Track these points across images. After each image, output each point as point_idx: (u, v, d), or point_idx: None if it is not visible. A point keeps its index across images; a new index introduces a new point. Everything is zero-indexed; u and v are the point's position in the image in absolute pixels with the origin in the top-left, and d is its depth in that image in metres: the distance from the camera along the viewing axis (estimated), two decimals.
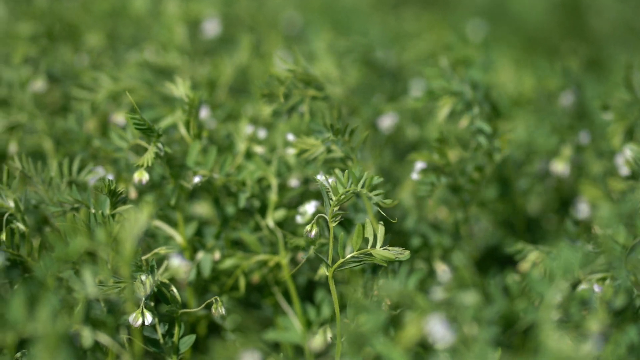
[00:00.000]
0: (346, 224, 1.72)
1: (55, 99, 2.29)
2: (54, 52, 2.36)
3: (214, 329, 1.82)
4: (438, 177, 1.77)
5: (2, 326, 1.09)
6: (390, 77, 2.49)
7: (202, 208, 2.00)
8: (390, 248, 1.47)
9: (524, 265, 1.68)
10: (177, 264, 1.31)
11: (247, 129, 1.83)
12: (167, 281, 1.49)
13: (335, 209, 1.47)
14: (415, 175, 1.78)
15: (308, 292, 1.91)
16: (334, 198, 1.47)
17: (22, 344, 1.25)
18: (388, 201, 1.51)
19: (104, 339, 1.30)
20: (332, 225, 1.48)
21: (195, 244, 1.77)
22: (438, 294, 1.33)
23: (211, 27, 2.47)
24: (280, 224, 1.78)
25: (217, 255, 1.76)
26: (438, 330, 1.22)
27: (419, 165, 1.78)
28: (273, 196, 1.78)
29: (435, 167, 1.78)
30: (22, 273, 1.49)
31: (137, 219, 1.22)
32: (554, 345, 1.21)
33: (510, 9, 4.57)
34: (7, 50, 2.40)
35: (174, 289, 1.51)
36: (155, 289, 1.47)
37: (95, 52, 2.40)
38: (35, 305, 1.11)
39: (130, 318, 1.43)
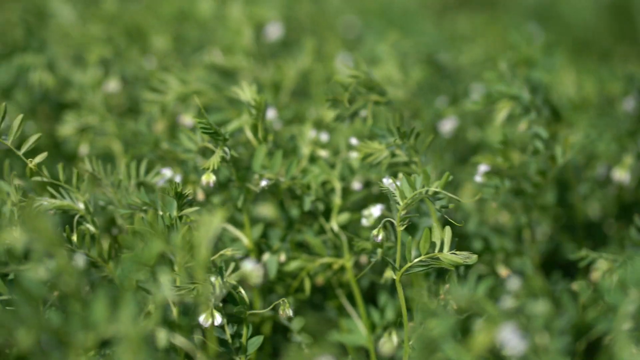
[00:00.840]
0: (409, 228, 1.73)
1: (122, 101, 2.32)
2: (123, 54, 2.39)
3: (278, 329, 1.83)
4: (502, 180, 1.78)
5: (85, 327, 1.11)
6: (450, 79, 2.50)
7: (266, 210, 2.02)
8: (457, 252, 1.48)
9: (595, 274, 1.67)
10: (250, 268, 1.33)
11: (311, 132, 1.85)
12: (235, 282, 1.51)
13: (403, 212, 1.48)
14: (478, 178, 1.78)
15: (370, 295, 1.92)
16: (401, 202, 1.47)
17: (103, 345, 1.27)
18: (452, 205, 1.52)
19: (179, 340, 1.32)
20: (400, 229, 1.49)
21: (261, 246, 1.78)
22: (507, 301, 1.32)
23: (274, 31, 2.49)
24: (344, 226, 1.79)
25: (282, 257, 1.77)
26: (510, 339, 1.22)
27: (483, 168, 1.78)
28: (337, 199, 1.79)
29: (498, 170, 1.78)
30: (97, 275, 1.51)
31: (211, 223, 1.24)
32: (629, 358, 1.21)
33: (558, 11, 4.54)
34: (77, 52, 2.44)
35: (242, 291, 1.52)
36: (225, 291, 1.49)
37: (162, 55, 2.43)
38: (115, 307, 1.13)
39: (201, 319, 1.45)
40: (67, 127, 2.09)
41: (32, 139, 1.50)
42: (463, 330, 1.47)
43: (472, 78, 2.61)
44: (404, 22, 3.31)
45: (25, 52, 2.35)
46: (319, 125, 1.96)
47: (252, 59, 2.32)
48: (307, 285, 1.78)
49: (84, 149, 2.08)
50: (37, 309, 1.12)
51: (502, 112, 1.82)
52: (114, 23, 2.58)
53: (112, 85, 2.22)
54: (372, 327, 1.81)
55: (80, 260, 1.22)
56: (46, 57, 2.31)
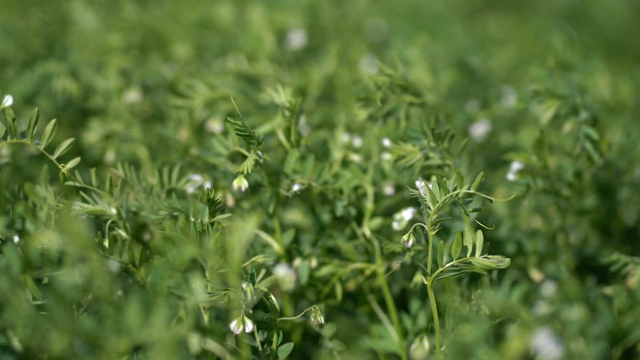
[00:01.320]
0: (441, 231, 1.72)
1: (146, 108, 2.32)
2: (145, 62, 2.39)
3: (308, 335, 1.82)
4: (534, 179, 1.76)
5: (118, 332, 1.10)
6: (481, 83, 2.48)
7: (295, 215, 2.01)
8: (490, 256, 1.46)
9: (631, 280, 1.65)
10: (283, 273, 1.32)
11: (343, 136, 1.83)
12: (266, 289, 1.50)
13: (434, 216, 1.46)
14: (511, 176, 1.77)
15: (401, 301, 1.91)
16: (432, 206, 1.46)
17: (136, 350, 1.27)
18: (483, 208, 1.50)
19: (211, 345, 1.32)
20: (432, 233, 1.48)
21: (291, 252, 1.77)
22: (542, 307, 1.31)
23: (296, 38, 2.48)
24: (376, 232, 1.78)
25: (313, 262, 1.76)
26: (545, 345, 1.20)
27: (516, 165, 1.76)
28: (369, 204, 1.78)
29: (532, 169, 1.76)
30: (130, 280, 1.51)
31: (244, 228, 1.23)
32: None
33: (589, 12, 4.51)
34: (100, 60, 2.44)
35: (273, 298, 1.51)
36: (256, 297, 1.48)
37: (184, 62, 2.43)
38: (148, 312, 1.12)
39: (232, 325, 1.44)
40: (93, 134, 2.09)
41: (65, 144, 1.50)
42: (496, 336, 1.45)
43: (502, 81, 2.60)
44: (433, 25, 3.30)
45: (48, 59, 2.36)
46: (350, 129, 1.95)
47: (276, 65, 2.31)
48: (339, 291, 1.77)
49: (110, 156, 2.08)
50: (71, 313, 1.12)
51: (548, 111, 1.79)
52: (136, 30, 2.58)
53: (133, 95, 2.22)
54: (404, 333, 1.79)
55: (113, 265, 1.21)
56: (69, 64, 2.32)
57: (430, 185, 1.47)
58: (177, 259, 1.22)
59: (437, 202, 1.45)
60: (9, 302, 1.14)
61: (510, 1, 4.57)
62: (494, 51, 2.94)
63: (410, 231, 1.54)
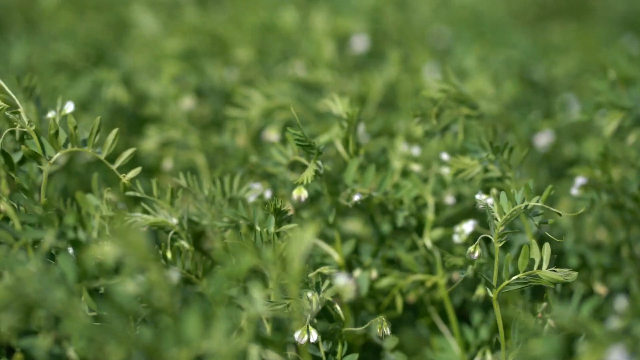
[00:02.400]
0: (503, 244, 1.68)
1: (204, 114, 2.31)
2: (204, 67, 2.38)
3: (368, 347, 1.80)
4: (599, 194, 1.72)
5: (177, 343, 1.09)
6: (544, 92, 2.44)
7: (355, 225, 1.98)
8: (557, 269, 1.43)
9: None
10: (344, 283, 1.29)
11: (403, 146, 1.81)
12: (330, 299, 1.48)
13: (501, 229, 1.44)
14: (575, 191, 1.73)
15: (461, 313, 1.88)
16: (499, 218, 1.43)
17: None
18: (551, 221, 1.47)
19: (272, 356, 1.29)
20: (498, 246, 1.45)
21: (351, 262, 1.75)
22: (613, 322, 1.27)
23: (360, 43, 2.46)
24: (436, 243, 1.75)
25: (374, 273, 1.73)
26: None
27: (580, 180, 1.72)
28: (430, 215, 1.75)
29: (596, 184, 1.72)
30: (189, 291, 1.49)
31: (303, 238, 1.21)
32: None
33: None
34: (157, 64, 2.44)
35: (338, 307, 1.49)
36: (320, 307, 1.46)
37: (245, 67, 2.42)
38: (208, 323, 1.10)
39: (296, 335, 1.42)
40: (150, 142, 2.09)
41: (126, 153, 1.48)
42: (565, 352, 1.41)
43: (566, 90, 2.55)
44: (494, 33, 3.26)
45: (104, 65, 2.36)
46: (410, 138, 1.92)
47: (337, 72, 2.29)
48: (399, 302, 1.74)
49: (167, 164, 2.07)
50: (129, 324, 1.10)
51: (612, 123, 1.75)
52: (197, 34, 2.57)
53: (188, 102, 2.22)
54: (466, 345, 1.76)
55: (174, 275, 1.20)
56: (121, 71, 2.32)
57: (494, 198, 1.45)
58: (236, 269, 1.20)
59: (505, 214, 1.42)
60: (66, 313, 1.13)
61: (572, 8, 4.51)
62: (556, 59, 2.90)
63: (476, 243, 1.51)
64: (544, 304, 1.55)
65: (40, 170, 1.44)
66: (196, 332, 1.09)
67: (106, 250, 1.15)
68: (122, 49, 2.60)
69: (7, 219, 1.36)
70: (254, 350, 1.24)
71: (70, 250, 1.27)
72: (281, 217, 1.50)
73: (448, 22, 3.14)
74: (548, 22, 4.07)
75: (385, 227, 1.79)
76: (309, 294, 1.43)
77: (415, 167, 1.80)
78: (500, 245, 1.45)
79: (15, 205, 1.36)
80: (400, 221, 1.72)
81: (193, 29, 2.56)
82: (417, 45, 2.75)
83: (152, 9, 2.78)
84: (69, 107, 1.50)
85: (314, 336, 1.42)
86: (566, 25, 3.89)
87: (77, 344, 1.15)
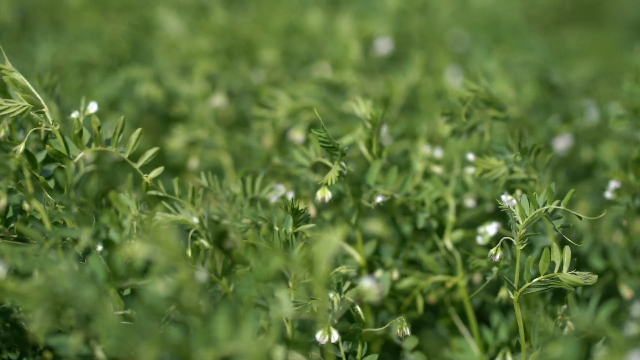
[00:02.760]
0: (525, 246, 1.69)
1: (229, 114, 2.32)
2: (231, 68, 2.40)
3: (388, 347, 1.81)
4: (633, 199, 1.72)
5: (206, 344, 1.10)
6: (562, 96, 2.45)
7: (376, 226, 1.99)
8: (577, 272, 1.44)
9: None
10: (369, 285, 1.30)
11: (425, 148, 1.82)
12: (351, 300, 1.49)
13: (522, 231, 1.44)
14: (608, 195, 1.73)
15: (480, 314, 1.89)
16: (521, 220, 1.44)
17: None
18: (572, 224, 1.48)
19: (296, 357, 1.31)
20: (519, 248, 1.45)
21: (372, 263, 1.76)
22: (631, 328, 1.28)
23: (383, 45, 2.47)
24: (457, 244, 1.76)
25: (395, 274, 1.75)
26: None
27: (613, 184, 1.73)
28: (451, 217, 1.76)
29: (629, 188, 1.72)
30: (212, 290, 1.51)
31: (330, 240, 1.22)
32: None
33: None
34: (183, 64, 2.45)
35: (359, 308, 1.50)
36: (342, 308, 1.47)
37: (270, 68, 2.43)
38: (236, 323, 1.11)
39: (317, 335, 1.43)
40: (177, 140, 2.10)
41: (150, 153, 1.50)
42: (584, 356, 1.42)
43: (582, 94, 2.56)
44: (512, 37, 3.26)
45: (132, 64, 2.38)
46: (432, 140, 1.93)
47: (361, 74, 2.30)
48: (420, 303, 1.75)
49: (193, 163, 2.09)
50: (159, 324, 1.12)
51: None
52: (223, 36, 2.59)
53: (219, 100, 2.23)
54: (485, 346, 1.77)
55: (202, 275, 1.21)
56: (153, 70, 2.33)
57: (517, 200, 1.45)
58: (264, 271, 1.21)
59: (527, 216, 1.43)
60: (96, 312, 1.15)
61: (585, 13, 4.50)
62: (572, 64, 2.90)
63: (498, 245, 1.52)
64: (564, 307, 1.56)
65: (77, 169, 1.46)
66: (225, 332, 1.10)
67: (136, 250, 1.17)
68: (148, 49, 2.61)
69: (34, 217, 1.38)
70: (279, 351, 1.26)
71: (99, 248, 1.29)
72: (299, 218, 1.51)
73: (467, 26, 3.15)
74: (562, 27, 4.08)
75: (406, 228, 1.80)
76: (331, 295, 1.44)
77: (437, 169, 1.81)
78: (522, 247, 1.46)
79: (45, 205, 1.38)
80: (421, 222, 1.73)
81: (219, 31, 2.57)
82: (438, 48, 2.75)
83: (177, 10, 2.79)
84: (93, 107, 1.52)
85: (335, 336, 1.43)
86: (580, 31, 3.90)
87: (106, 343, 1.16)
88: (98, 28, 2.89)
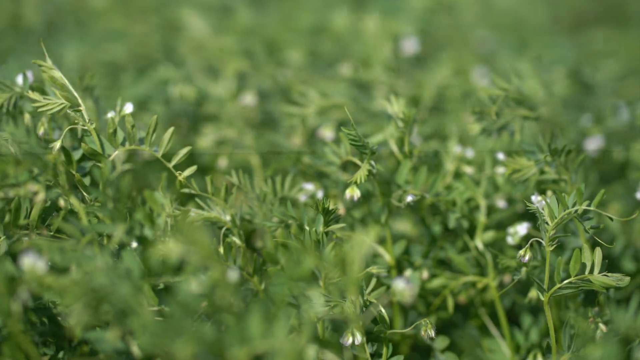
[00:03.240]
0: (555, 247, 1.68)
1: (257, 114, 2.33)
2: (258, 67, 2.40)
3: (418, 347, 1.80)
4: None
5: (240, 342, 1.10)
6: (591, 96, 2.44)
7: (405, 225, 1.99)
8: (609, 274, 1.43)
9: None
10: (402, 287, 1.30)
11: (456, 148, 1.82)
12: (374, 300, 1.49)
13: (552, 232, 1.44)
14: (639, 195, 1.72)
15: (510, 315, 1.88)
16: (550, 221, 1.43)
17: None
18: (602, 225, 1.48)
19: (329, 357, 1.31)
20: (549, 249, 1.45)
21: (402, 263, 1.76)
22: None
23: (410, 45, 2.47)
24: (488, 245, 1.76)
25: (425, 274, 1.74)
26: None
27: None
28: (482, 217, 1.75)
29: None
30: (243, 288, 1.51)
31: (363, 241, 1.22)
32: None
33: None
34: (212, 65, 2.46)
35: (382, 309, 1.50)
36: (365, 309, 1.47)
37: (297, 68, 2.44)
38: (269, 322, 1.12)
39: (341, 337, 1.43)
40: (206, 140, 2.11)
41: (182, 152, 1.51)
42: (623, 357, 1.41)
43: (611, 95, 2.55)
44: (537, 37, 3.26)
45: (163, 65, 2.39)
46: (462, 140, 1.93)
47: (390, 73, 2.30)
48: (450, 303, 1.75)
49: (222, 162, 2.09)
50: (194, 322, 1.12)
51: None
52: (249, 36, 2.59)
53: (249, 99, 2.23)
54: (516, 348, 1.76)
55: (234, 274, 1.21)
56: (185, 70, 2.34)
57: (547, 200, 1.45)
58: (297, 270, 1.21)
59: (556, 217, 1.42)
60: (131, 308, 1.15)
61: (609, 14, 4.49)
62: (599, 64, 2.89)
63: (527, 246, 1.51)
64: (596, 309, 1.55)
65: (114, 168, 1.47)
66: (258, 331, 1.10)
67: (170, 248, 1.17)
68: (176, 50, 2.62)
69: (73, 213, 1.39)
70: (311, 350, 1.26)
71: (134, 245, 1.29)
72: (330, 217, 1.51)
73: (491, 27, 3.14)
74: (587, 28, 4.06)
75: (436, 228, 1.80)
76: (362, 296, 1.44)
77: (468, 169, 1.81)
78: (551, 248, 1.45)
79: (81, 201, 1.39)
80: (452, 223, 1.73)
81: (244, 31, 2.57)
82: (464, 48, 2.75)
83: (201, 11, 2.80)
84: (128, 107, 1.53)
85: (359, 338, 1.43)
86: (606, 31, 3.88)
87: (141, 339, 1.17)
88: (124, 29, 2.90)
